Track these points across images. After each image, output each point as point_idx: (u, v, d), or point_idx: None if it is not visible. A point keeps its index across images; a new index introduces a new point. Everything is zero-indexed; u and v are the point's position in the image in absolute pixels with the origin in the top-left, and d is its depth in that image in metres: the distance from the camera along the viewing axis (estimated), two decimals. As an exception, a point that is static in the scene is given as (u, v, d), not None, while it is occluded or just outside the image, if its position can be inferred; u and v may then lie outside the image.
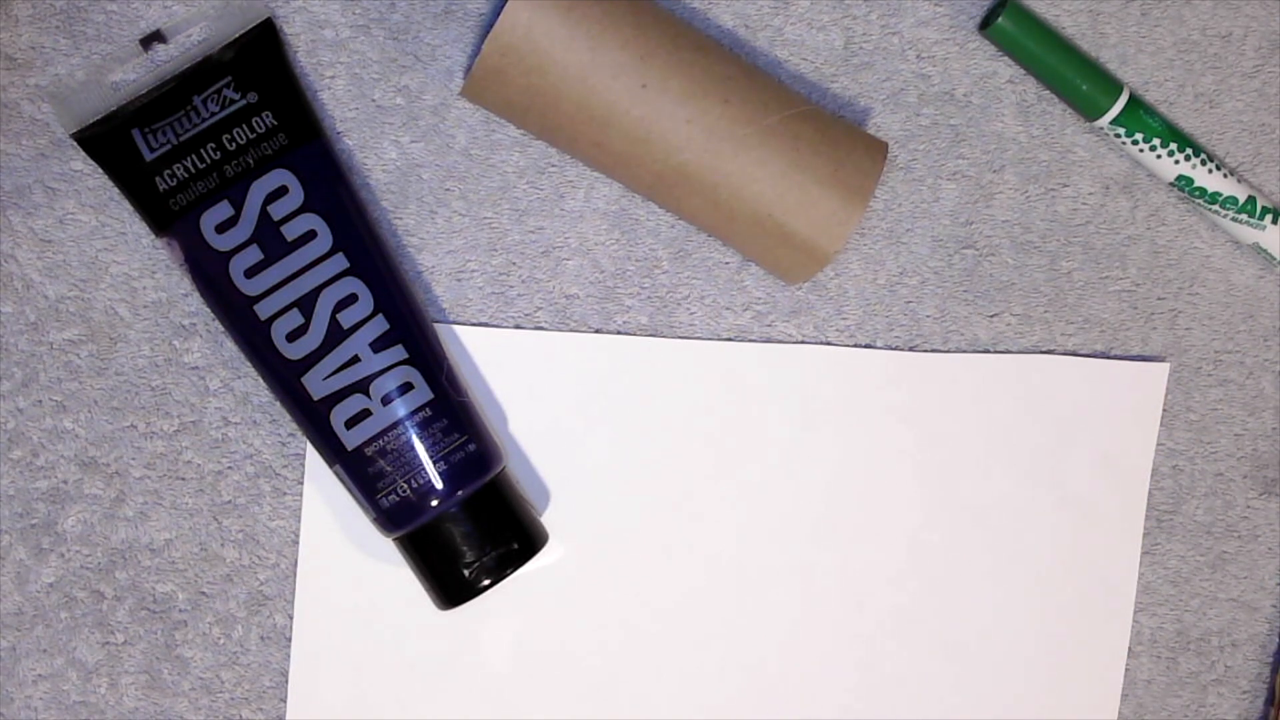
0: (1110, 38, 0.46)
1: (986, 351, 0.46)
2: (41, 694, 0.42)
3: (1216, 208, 0.45)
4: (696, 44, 0.40)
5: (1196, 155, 0.45)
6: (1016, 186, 0.46)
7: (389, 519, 0.40)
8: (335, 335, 0.40)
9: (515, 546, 0.40)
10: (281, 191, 0.40)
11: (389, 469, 0.39)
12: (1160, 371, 0.46)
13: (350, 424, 0.40)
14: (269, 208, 0.40)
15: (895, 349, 0.45)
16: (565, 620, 0.44)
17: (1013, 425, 0.45)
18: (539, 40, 0.38)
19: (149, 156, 0.40)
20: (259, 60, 0.41)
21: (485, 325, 0.43)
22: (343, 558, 0.43)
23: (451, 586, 0.40)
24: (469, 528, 0.40)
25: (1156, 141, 0.45)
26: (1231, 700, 0.47)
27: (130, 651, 0.42)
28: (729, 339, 0.44)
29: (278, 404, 0.42)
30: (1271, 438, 0.47)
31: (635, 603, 0.44)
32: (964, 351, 0.45)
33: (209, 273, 0.40)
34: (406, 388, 0.40)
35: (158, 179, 0.40)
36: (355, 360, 0.40)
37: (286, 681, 0.43)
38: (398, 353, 0.40)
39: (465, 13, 0.43)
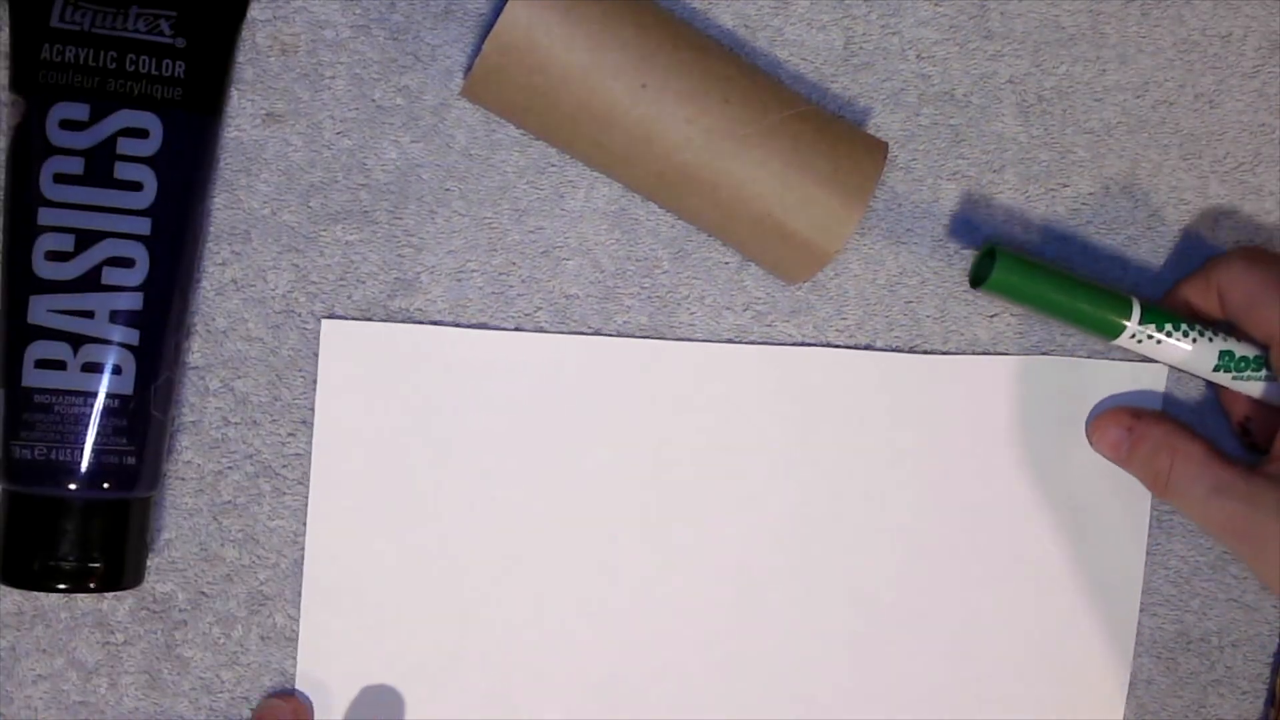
0: (1110, 38, 0.46)
1: (986, 352, 0.46)
2: (41, 694, 0.42)
3: (1248, 372, 0.44)
4: (697, 44, 0.40)
5: (1218, 332, 0.43)
6: (1016, 186, 0.46)
7: (10, 469, 0.38)
8: (89, 282, 0.38)
9: (101, 571, 0.39)
10: (141, 134, 0.39)
11: (42, 425, 0.38)
12: (1160, 371, 0.46)
13: (40, 364, 0.38)
14: (121, 139, 0.39)
15: (895, 349, 0.45)
16: (566, 619, 0.44)
17: (1013, 425, 0.45)
18: (539, 40, 0.38)
19: (54, 23, 0.39)
20: (211, 17, 0.40)
21: (485, 326, 0.43)
22: (348, 556, 0.43)
23: (20, 566, 0.39)
24: (76, 527, 0.39)
25: (1185, 326, 0.43)
26: (1231, 700, 0.47)
27: (130, 651, 0.42)
28: (729, 339, 0.44)
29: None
30: (1272, 438, 0.47)
31: (635, 603, 0.44)
32: (964, 352, 0.45)
33: (24, 154, 0.39)
34: (115, 370, 0.38)
35: (46, 46, 0.39)
36: (89, 315, 0.38)
37: (287, 681, 0.43)
38: (130, 335, 0.39)
39: (465, 13, 0.43)
